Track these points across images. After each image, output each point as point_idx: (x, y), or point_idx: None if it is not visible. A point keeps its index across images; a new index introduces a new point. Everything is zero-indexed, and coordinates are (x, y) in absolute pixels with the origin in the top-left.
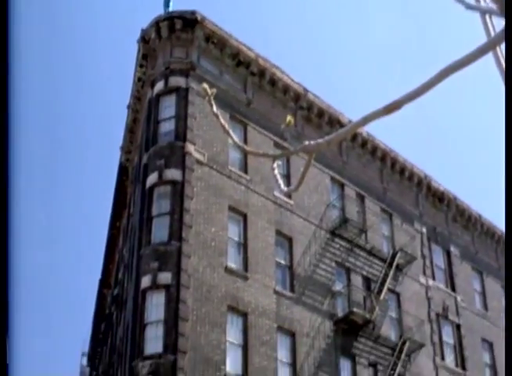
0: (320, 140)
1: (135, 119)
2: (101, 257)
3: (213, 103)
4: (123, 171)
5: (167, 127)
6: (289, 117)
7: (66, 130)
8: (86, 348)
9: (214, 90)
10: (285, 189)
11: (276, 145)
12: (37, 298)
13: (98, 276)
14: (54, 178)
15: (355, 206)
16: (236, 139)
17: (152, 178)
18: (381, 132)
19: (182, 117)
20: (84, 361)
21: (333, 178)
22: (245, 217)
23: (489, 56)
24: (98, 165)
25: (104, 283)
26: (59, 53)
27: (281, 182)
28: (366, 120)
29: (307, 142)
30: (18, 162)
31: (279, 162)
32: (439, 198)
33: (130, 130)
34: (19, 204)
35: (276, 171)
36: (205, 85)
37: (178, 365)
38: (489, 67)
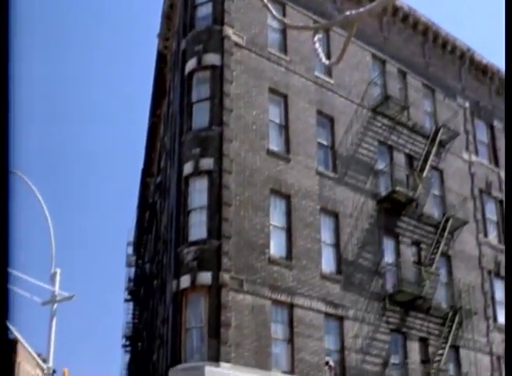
0: (361, 9)
1: (171, 5)
2: (143, 146)
3: None
4: (161, 59)
5: (205, 11)
6: None
7: (101, 21)
8: (131, 238)
9: None
10: (327, 62)
11: (316, 23)
12: (83, 193)
13: (140, 165)
14: (92, 70)
15: (396, 82)
16: (275, 13)
17: (191, 64)
18: (423, 6)
19: (218, 0)
20: (130, 250)
21: (374, 55)
22: (286, 98)
23: None
24: (136, 55)
25: (147, 173)
26: None
27: (322, 55)
28: None
29: (348, 13)
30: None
31: (320, 36)
32: (482, 71)
33: (167, 16)
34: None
35: (318, 45)
36: None
37: (222, 250)
38: None
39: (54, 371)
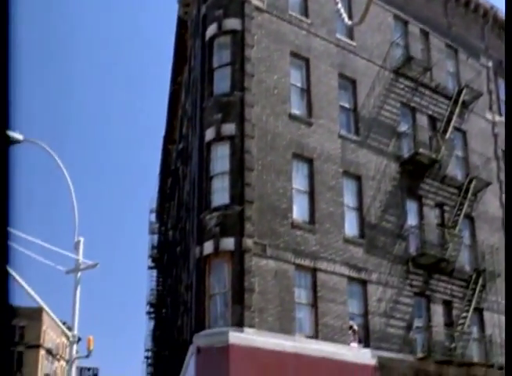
0: None
1: None
2: (164, 113)
3: None
4: (182, 25)
5: None
6: None
7: None
8: (154, 205)
9: None
10: (349, 22)
11: None
12: (105, 162)
13: (162, 132)
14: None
15: (419, 43)
16: None
17: (211, 29)
18: None
19: None
20: (153, 217)
21: (396, 16)
22: (307, 62)
23: None
24: (156, 22)
25: (168, 140)
26: None
27: (345, 15)
28: None
29: None
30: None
31: None
32: None
33: None
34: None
35: (340, 5)
36: None
37: (245, 215)
38: None
39: (79, 339)
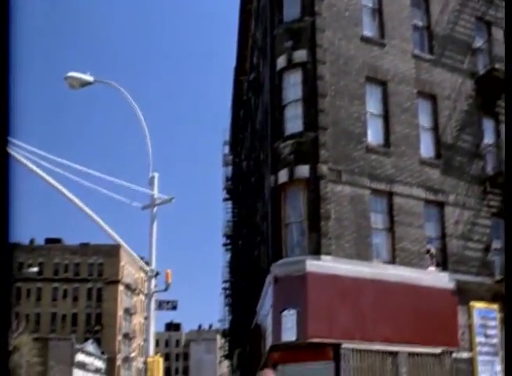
0: None
1: None
2: (234, 44)
3: None
4: None
5: None
6: None
7: None
8: (227, 137)
9: None
10: None
11: None
12: (177, 97)
13: (233, 64)
14: None
15: None
16: None
17: None
18: None
19: None
20: (226, 149)
21: None
22: None
23: None
24: None
25: (239, 70)
26: None
27: None
28: None
29: None
30: None
31: None
32: None
33: None
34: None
35: None
36: None
37: (319, 142)
38: None
39: (157, 273)
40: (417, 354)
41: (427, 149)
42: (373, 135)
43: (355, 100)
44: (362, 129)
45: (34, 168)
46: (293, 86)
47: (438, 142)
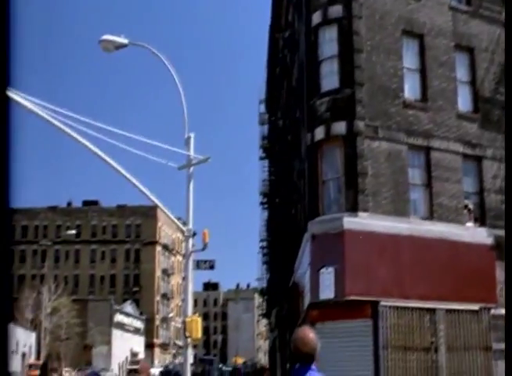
0: None
1: None
2: (269, 1)
3: None
4: None
5: None
6: None
7: None
8: (263, 96)
9: None
10: None
11: None
12: (211, 56)
13: (268, 21)
14: None
15: None
16: None
17: None
18: None
19: None
20: (262, 108)
21: None
22: None
23: None
24: None
25: (275, 28)
26: None
27: None
28: None
29: None
30: None
31: None
32: None
33: None
34: None
35: None
36: None
37: (355, 98)
38: None
39: (194, 233)
40: (455, 311)
41: (464, 103)
42: (410, 90)
43: (392, 55)
44: (399, 84)
45: (71, 132)
46: (328, 42)
47: (476, 96)
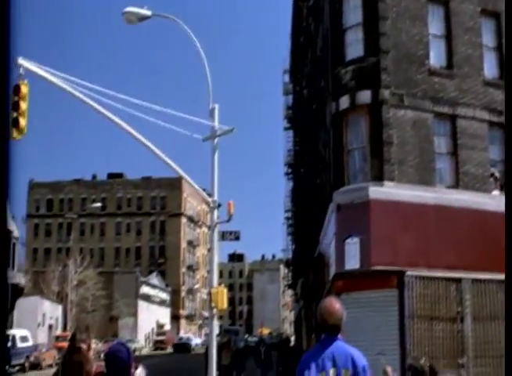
0: None
1: None
2: None
3: None
4: None
5: None
6: None
7: None
8: (287, 66)
9: None
10: None
11: None
12: (235, 25)
13: None
14: None
15: None
16: None
17: None
18: None
19: None
20: (286, 78)
21: None
22: None
23: None
24: None
25: None
26: None
27: None
28: None
29: None
30: None
31: None
32: None
33: None
34: None
35: None
36: None
37: (380, 66)
38: None
39: (219, 204)
40: (481, 280)
41: (490, 69)
42: (436, 57)
43: (417, 21)
44: (424, 51)
45: (95, 104)
46: (353, 10)
47: (502, 62)
